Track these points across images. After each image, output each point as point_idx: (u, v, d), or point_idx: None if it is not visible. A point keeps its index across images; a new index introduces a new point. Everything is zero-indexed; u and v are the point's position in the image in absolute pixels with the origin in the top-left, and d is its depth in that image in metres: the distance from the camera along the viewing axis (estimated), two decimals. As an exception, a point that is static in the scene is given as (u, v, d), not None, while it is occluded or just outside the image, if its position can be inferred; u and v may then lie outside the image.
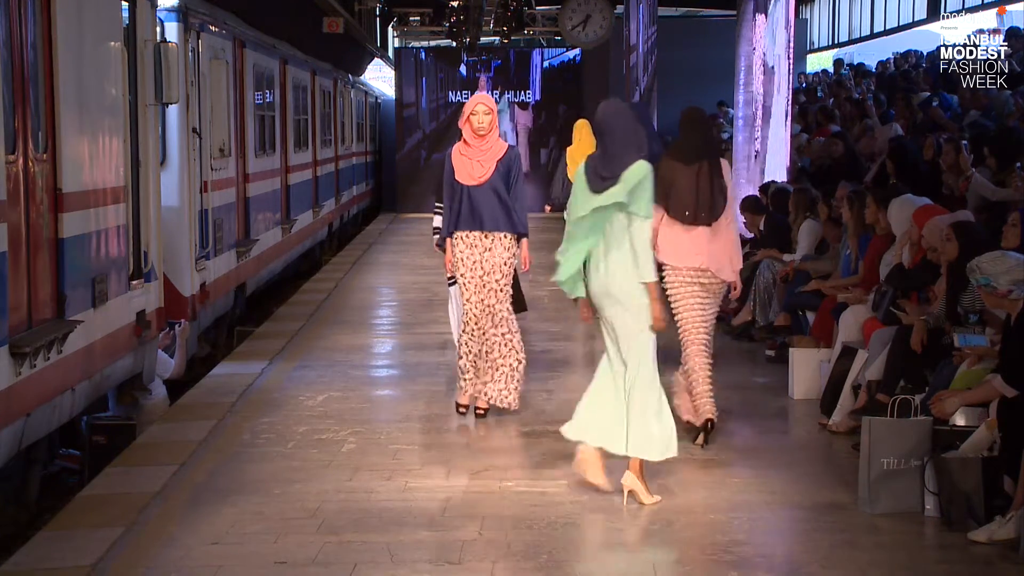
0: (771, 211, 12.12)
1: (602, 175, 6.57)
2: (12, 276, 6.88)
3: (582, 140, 13.40)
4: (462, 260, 8.50)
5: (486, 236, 8.46)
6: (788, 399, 9.22)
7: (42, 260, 7.42)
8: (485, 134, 8.40)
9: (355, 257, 20.17)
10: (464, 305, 8.61)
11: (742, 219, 12.86)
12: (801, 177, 13.29)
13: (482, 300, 8.50)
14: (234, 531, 6.32)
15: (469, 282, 8.51)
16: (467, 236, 8.48)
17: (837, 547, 6.11)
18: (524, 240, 8.61)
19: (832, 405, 8.29)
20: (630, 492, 6.62)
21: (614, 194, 6.50)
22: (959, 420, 6.61)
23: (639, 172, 6.51)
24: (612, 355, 6.70)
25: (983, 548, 6.01)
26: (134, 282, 9.24)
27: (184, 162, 11.57)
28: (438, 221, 9.29)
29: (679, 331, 7.82)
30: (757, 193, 12.93)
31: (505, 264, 8.49)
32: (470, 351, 8.58)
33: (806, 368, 9.14)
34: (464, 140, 8.46)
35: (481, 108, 8.38)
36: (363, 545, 6.10)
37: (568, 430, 6.82)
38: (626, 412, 6.60)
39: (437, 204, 9.35)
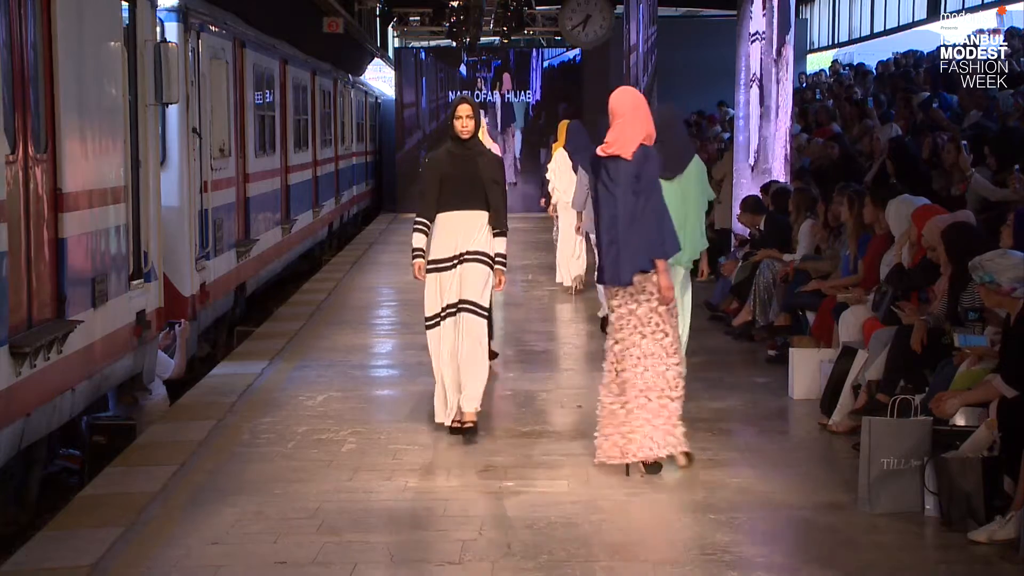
0: (772, 211, 12.12)
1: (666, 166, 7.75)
2: (12, 276, 6.88)
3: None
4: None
5: None
6: (788, 399, 9.22)
7: (42, 260, 7.42)
8: None
9: (355, 257, 20.17)
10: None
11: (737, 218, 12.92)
12: (803, 176, 13.29)
13: None
14: (234, 531, 6.32)
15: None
16: None
17: (837, 547, 6.11)
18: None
19: (832, 405, 8.29)
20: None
21: (686, 182, 8.20)
22: (959, 420, 6.61)
23: (701, 165, 8.54)
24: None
25: (983, 548, 6.01)
26: (134, 282, 9.24)
27: (184, 162, 11.57)
28: (417, 241, 8.10)
29: None
30: (758, 193, 12.92)
31: None
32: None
33: (806, 368, 9.13)
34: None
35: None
36: (363, 545, 6.10)
37: None
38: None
39: (419, 220, 8.12)
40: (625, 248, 7.04)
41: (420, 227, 8.08)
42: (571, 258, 14.58)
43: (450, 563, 5.86)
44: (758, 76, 13.20)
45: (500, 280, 8.16)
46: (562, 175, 14.23)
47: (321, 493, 6.93)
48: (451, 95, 29.09)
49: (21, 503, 7.66)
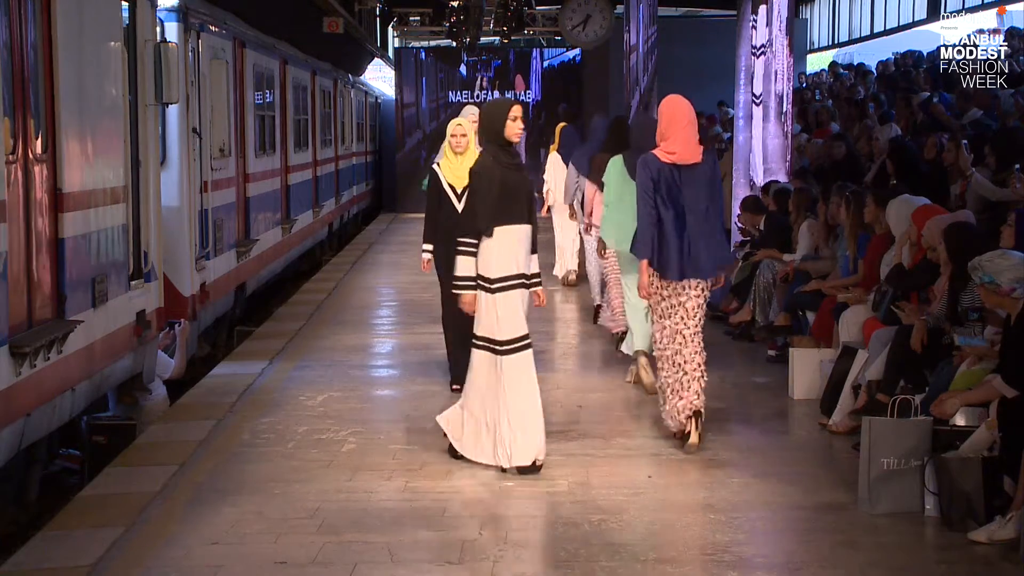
0: (772, 211, 12.11)
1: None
2: (12, 276, 6.88)
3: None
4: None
5: None
6: (788, 399, 9.22)
7: (42, 260, 7.42)
8: None
9: (355, 257, 20.17)
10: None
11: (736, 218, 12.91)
12: (803, 176, 13.28)
13: None
14: (234, 531, 6.32)
15: None
16: None
17: (837, 547, 6.11)
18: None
19: (832, 405, 8.29)
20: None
21: None
22: (959, 420, 6.61)
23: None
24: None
25: (983, 548, 6.01)
26: (134, 282, 9.24)
27: (184, 162, 11.57)
28: (466, 267, 7.28)
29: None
30: (757, 193, 12.92)
31: None
32: None
33: (806, 368, 9.13)
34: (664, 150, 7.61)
35: None
36: (363, 545, 6.10)
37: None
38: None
39: (469, 241, 7.27)
40: (711, 243, 7.67)
41: (470, 249, 7.26)
42: (567, 253, 15.31)
43: (450, 563, 5.86)
44: (760, 91, 13.21)
45: (543, 298, 7.59)
46: (557, 177, 14.81)
47: (321, 493, 6.93)
48: (451, 95, 29.08)
49: (21, 503, 7.67)
